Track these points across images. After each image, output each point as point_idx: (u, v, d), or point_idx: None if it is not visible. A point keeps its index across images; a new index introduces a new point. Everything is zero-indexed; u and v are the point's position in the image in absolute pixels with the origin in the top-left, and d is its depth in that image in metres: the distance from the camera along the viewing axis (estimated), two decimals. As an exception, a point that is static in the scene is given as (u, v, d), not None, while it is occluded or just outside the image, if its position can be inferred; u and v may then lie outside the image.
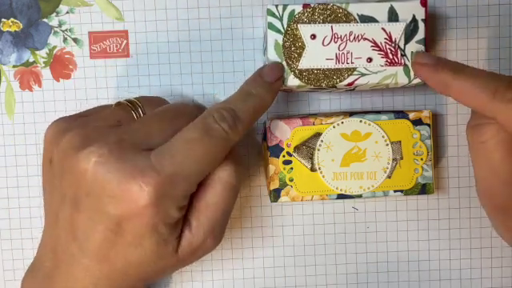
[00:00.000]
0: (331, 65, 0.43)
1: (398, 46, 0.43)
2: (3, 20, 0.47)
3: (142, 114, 0.42)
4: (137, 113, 0.42)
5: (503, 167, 0.40)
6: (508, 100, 0.37)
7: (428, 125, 0.46)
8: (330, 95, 0.48)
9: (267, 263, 0.49)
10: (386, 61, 0.43)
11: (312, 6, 0.42)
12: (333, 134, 0.45)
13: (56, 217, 0.40)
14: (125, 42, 0.47)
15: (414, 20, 0.43)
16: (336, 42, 0.42)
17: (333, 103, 0.48)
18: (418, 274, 0.49)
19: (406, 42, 0.43)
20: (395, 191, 0.46)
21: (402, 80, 0.43)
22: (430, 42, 0.47)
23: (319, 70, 0.43)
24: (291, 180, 0.46)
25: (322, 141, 0.45)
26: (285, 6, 0.42)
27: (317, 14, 0.42)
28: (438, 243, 0.49)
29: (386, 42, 0.42)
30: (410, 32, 0.43)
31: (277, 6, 0.42)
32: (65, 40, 0.47)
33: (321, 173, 0.45)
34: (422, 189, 0.46)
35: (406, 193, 0.46)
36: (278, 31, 0.42)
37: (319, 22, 0.42)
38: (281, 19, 0.42)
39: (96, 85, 0.48)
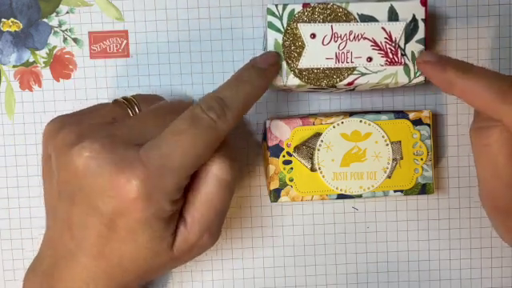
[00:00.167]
0: (331, 64, 0.43)
1: (398, 46, 0.43)
2: (3, 20, 0.47)
3: (137, 111, 0.42)
4: (132, 110, 0.42)
5: (507, 170, 0.40)
6: None
7: (428, 125, 0.46)
8: (329, 95, 0.48)
9: (267, 263, 0.49)
10: (386, 60, 0.43)
11: (312, 5, 0.42)
12: (333, 134, 0.45)
13: (54, 213, 0.40)
14: (125, 42, 0.47)
15: (414, 19, 0.43)
16: (336, 42, 0.42)
17: (333, 103, 0.48)
18: (418, 274, 0.49)
19: (406, 41, 0.43)
20: (395, 191, 0.46)
21: (402, 79, 0.43)
22: (429, 41, 0.47)
23: (319, 69, 0.43)
24: (291, 180, 0.46)
25: (322, 141, 0.45)
26: (285, 6, 0.42)
27: (317, 13, 0.42)
28: (438, 243, 0.49)
29: (386, 42, 0.42)
30: (410, 31, 0.43)
31: (277, 5, 0.42)
32: (65, 40, 0.47)
33: (321, 173, 0.45)
34: (422, 189, 0.46)
35: (406, 193, 0.46)
36: (278, 30, 0.42)
37: (319, 22, 0.42)
38: (281, 18, 0.42)
39: (96, 85, 0.48)
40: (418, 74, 0.43)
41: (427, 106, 0.48)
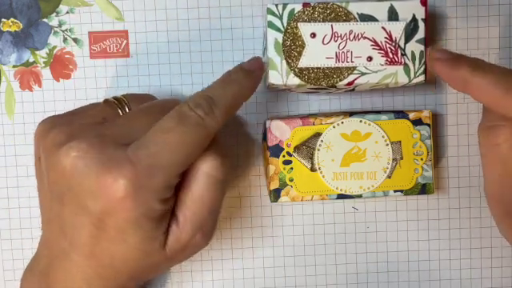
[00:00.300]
0: (331, 63, 0.43)
1: (399, 45, 0.43)
2: (3, 20, 0.47)
3: (128, 110, 0.42)
4: (123, 109, 0.42)
5: None
6: None
7: (428, 125, 0.46)
8: (329, 95, 0.48)
9: (267, 263, 0.49)
10: (386, 60, 0.43)
11: (312, 4, 0.42)
12: (333, 134, 0.45)
13: (48, 213, 0.40)
14: (125, 42, 0.47)
15: (414, 19, 0.43)
16: (336, 41, 0.42)
17: (333, 103, 0.48)
18: (418, 274, 0.49)
19: (407, 41, 0.43)
20: (395, 191, 0.46)
21: (402, 79, 0.43)
22: (430, 41, 0.47)
23: (319, 68, 0.43)
24: (291, 180, 0.46)
25: (322, 141, 0.45)
26: (285, 5, 0.42)
27: (317, 12, 0.42)
28: (438, 243, 0.49)
29: (386, 41, 0.42)
30: (410, 31, 0.43)
31: (277, 5, 0.42)
32: (65, 40, 0.47)
33: (321, 173, 0.45)
34: (422, 189, 0.46)
35: (406, 193, 0.46)
36: (278, 30, 0.42)
37: (319, 21, 0.43)
38: (281, 18, 0.42)
39: (96, 85, 0.48)
40: (418, 74, 0.43)
41: (427, 106, 0.48)
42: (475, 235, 0.49)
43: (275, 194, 0.46)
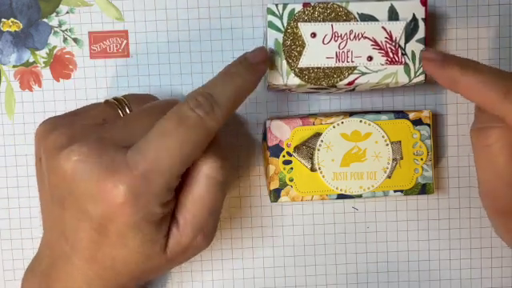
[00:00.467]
0: (331, 63, 0.43)
1: (399, 45, 0.43)
2: (3, 20, 0.47)
3: (128, 111, 0.42)
4: (123, 110, 0.42)
5: (507, 170, 0.40)
6: None
7: (428, 125, 0.46)
8: (329, 95, 0.48)
9: (267, 263, 0.49)
10: (387, 59, 0.43)
11: (312, 4, 0.42)
12: (333, 134, 0.45)
13: (49, 215, 0.40)
14: (125, 42, 0.47)
15: (414, 19, 0.43)
16: (336, 41, 0.42)
17: (333, 103, 0.48)
18: (418, 274, 0.49)
19: (407, 40, 0.43)
20: (395, 191, 0.46)
21: (403, 79, 0.43)
22: (430, 41, 0.47)
23: (319, 68, 0.43)
24: (291, 180, 0.46)
25: (322, 141, 0.45)
26: (285, 5, 0.42)
27: (317, 12, 0.42)
28: (438, 243, 0.49)
29: (386, 41, 0.43)
30: (410, 31, 0.43)
31: (277, 4, 0.42)
32: (65, 40, 0.47)
33: (321, 173, 0.45)
34: (422, 189, 0.46)
35: (406, 193, 0.46)
36: (278, 30, 0.42)
37: (319, 21, 0.43)
38: (281, 18, 0.42)
39: (96, 85, 0.48)
40: (418, 74, 0.43)
41: (427, 106, 0.48)
42: (475, 235, 0.49)
43: (275, 194, 0.46)
